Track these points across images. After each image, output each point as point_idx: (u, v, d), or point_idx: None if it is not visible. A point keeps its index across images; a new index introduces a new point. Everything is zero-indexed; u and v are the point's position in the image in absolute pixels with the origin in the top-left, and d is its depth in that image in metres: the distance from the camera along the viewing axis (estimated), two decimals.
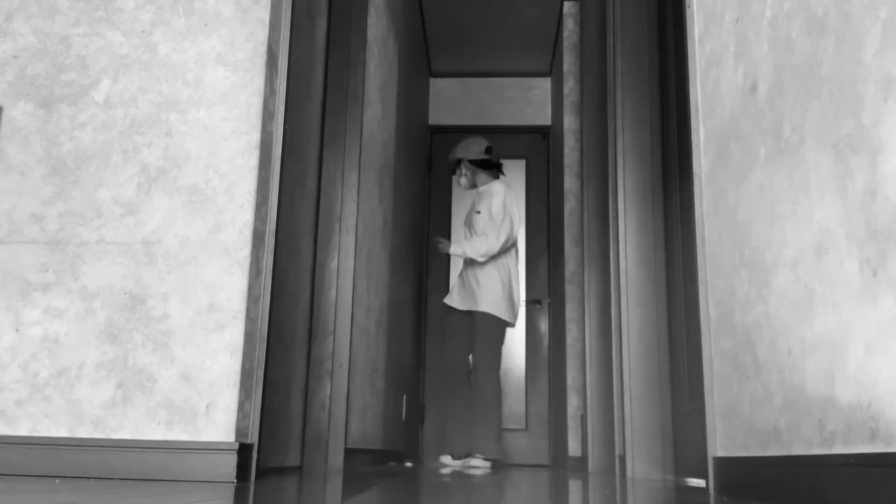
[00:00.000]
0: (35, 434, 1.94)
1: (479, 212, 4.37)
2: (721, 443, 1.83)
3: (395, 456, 4.49)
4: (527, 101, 6.28)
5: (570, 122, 5.00)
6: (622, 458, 3.10)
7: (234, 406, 1.93)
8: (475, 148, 4.47)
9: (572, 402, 4.58)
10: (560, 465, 4.86)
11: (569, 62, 5.10)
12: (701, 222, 1.99)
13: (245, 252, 2.03)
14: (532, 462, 5.65)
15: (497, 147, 6.27)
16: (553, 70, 6.04)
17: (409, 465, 4.56)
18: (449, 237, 6.08)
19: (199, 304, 1.99)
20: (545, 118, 6.22)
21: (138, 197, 2.07)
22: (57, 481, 1.70)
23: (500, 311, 4.25)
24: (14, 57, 2.18)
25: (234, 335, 1.97)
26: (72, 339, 1.99)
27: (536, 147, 6.22)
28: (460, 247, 4.30)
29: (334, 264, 3.13)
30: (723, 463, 1.78)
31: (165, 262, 2.03)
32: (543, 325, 5.82)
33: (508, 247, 4.33)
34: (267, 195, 2.15)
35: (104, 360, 1.97)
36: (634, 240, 3.13)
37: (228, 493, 1.47)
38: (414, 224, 5.44)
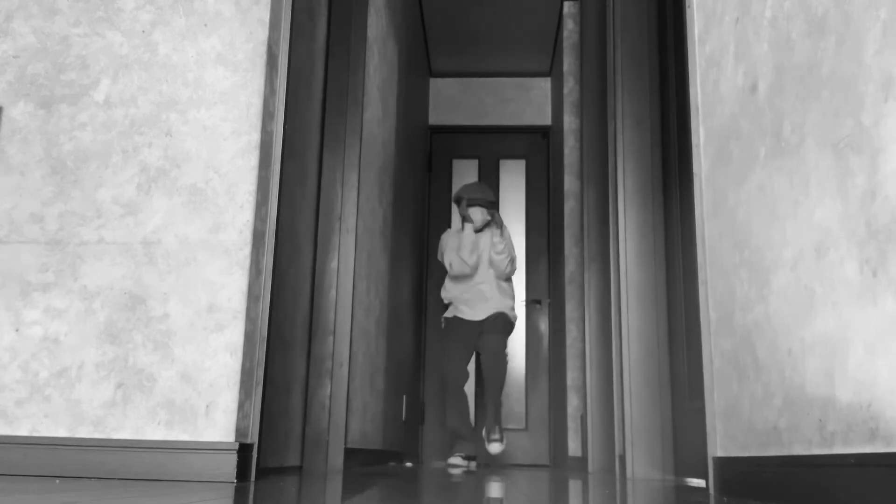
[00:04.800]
0: (35, 434, 1.94)
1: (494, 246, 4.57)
2: (721, 443, 1.83)
3: (395, 456, 4.49)
4: (527, 101, 6.28)
5: (570, 122, 5.00)
6: (622, 458, 3.10)
7: (234, 406, 1.93)
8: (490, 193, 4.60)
9: (572, 402, 4.58)
10: (560, 465, 4.86)
11: (569, 62, 5.10)
12: (701, 222, 1.99)
13: (245, 252, 2.03)
14: (532, 462, 5.65)
15: (497, 147, 6.27)
16: (553, 70, 6.04)
17: (409, 465, 4.56)
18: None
19: (199, 304, 1.99)
20: (545, 118, 6.22)
21: (138, 197, 2.07)
22: (57, 481, 1.70)
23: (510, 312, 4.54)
24: (14, 57, 2.18)
25: (234, 335, 1.97)
26: (72, 339, 1.99)
27: (536, 147, 6.22)
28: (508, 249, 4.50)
29: (334, 264, 3.13)
30: (723, 463, 1.78)
31: (165, 262, 2.03)
32: (543, 325, 5.82)
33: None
34: (267, 195, 2.15)
35: (104, 360, 1.97)
36: (634, 240, 3.13)
37: (228, 493, 1.47)
38: (414, 224, 5.44)
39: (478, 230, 4.61)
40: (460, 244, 4.56)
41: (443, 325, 4.58)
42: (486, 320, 4.48)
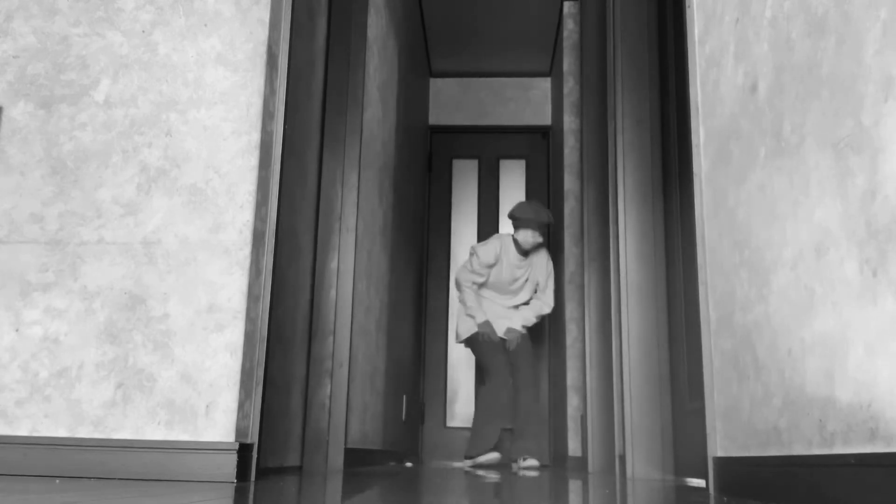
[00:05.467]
0: (35, 434, 1.94)
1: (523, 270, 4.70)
2: (721, 443, 1.83)
3: (395, 456, 4.49)
4: (527, 101, 6.28)
5: (570, 122, 5.00)
6: (622, 458, 3.10)
7: (234, 406, 1.93)
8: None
9: (572, 402, 4.58)
10: (560, 465, 4.86)
11: (569, 62, 5.10)
12: (701, 222, 1.99)
13: (245, 252, 2.03)
14: None
15: (497, 147, 6.27)
16: (553, 70, 6.04)
17: (409, 465, 4.56)
18: (448, 242, 6.09)
19: (199, 304, 2.00)
20: (545, 118, 6.22)
21: (138, 197, 2.07)
22: (57, 481, 1.70)
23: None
24: (14, 57, 2.18)
25: (234, 335, 1.97)
26: (72, 339, 1.99)
27: (536, 147, 6.22)
28: (535, 310, 4.68)
29: (334, 264, 3.13)
30: (723, 463, 1.78)
31: (165, 262, 2.03)
32: (543, 325, 5.82)
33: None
34: (267, 195, 2.15)
35: (104, 360, 1.97)
36: (634, 240, 3.13)
37: (228, 493, 1.47)
38: (414, 224, 5.44)
39: (525, 252, 4.64)
40: (500, 260, 4.59)
41: (462, 340, 4.57)
42: (516, 349, 4.60)
